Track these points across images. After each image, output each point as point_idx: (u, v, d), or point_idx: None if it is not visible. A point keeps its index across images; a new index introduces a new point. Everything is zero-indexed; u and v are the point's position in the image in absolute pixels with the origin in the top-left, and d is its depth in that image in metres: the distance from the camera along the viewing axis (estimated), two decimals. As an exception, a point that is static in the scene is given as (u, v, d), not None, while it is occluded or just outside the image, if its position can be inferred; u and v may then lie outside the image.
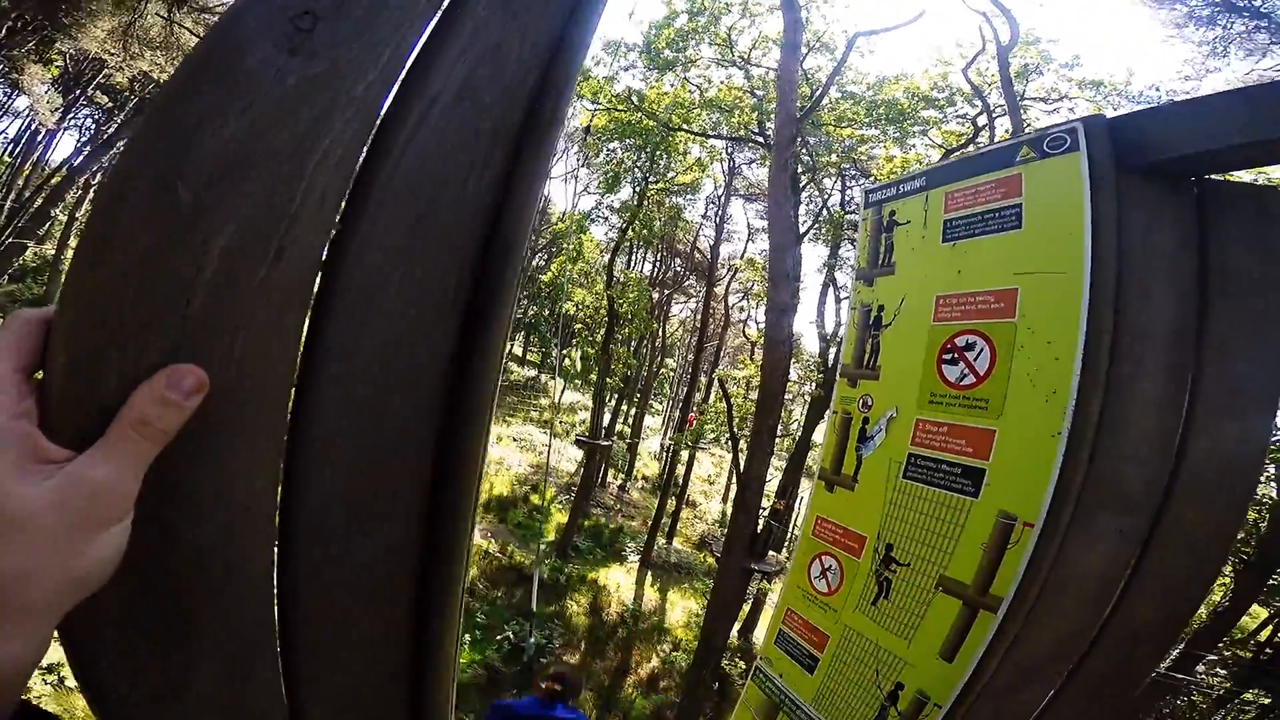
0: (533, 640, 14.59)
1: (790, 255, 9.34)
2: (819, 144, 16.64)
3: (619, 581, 20.86)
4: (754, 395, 17.76)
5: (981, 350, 1.40)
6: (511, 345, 40.22)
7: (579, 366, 37.50)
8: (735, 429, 15.90)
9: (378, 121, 0.79)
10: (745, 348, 31.08)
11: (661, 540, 24.85)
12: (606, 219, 25.66)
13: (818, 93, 12.94)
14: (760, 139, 16.19)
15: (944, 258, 1.54)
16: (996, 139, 13.86)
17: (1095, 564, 1.32)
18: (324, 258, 0.78)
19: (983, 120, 14.55)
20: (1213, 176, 1.24)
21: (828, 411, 1.83)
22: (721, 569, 11.47)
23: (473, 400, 0.83)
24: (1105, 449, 1.20)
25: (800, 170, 15.18)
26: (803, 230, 14.45)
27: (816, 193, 18.26)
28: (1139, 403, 1.21)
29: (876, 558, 1.63)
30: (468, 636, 15.43)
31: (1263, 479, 14.34)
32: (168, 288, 0.56)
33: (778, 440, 12.50)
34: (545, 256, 33.35)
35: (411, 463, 0.83)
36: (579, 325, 28.93)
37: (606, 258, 23.45)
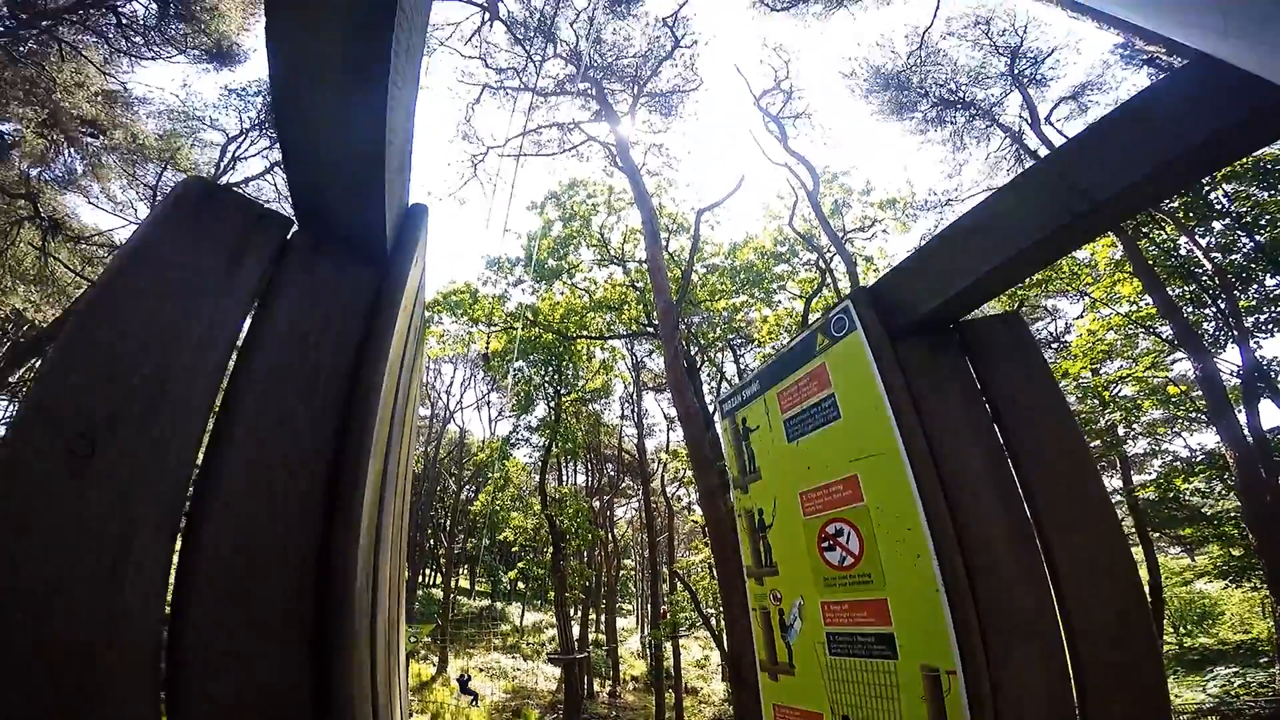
0: None
1: (705, 439, 9.56)
2: (702, 322, 17.59)
3: None
4: (720, 573, 17.11)
5: (849, 534, 1.50)
6: (457, 579, 37.82)
7: (529, 588, 35.30)
8: (707, 610, 15.08)
9: (183, 521, 0.85)
10: (696, 531, 30.57)
11: None
12: (528, 440, 25.61)
13: (685, 272, 14.03)
14: (651, 329, 16.69)
15: (793, 457, 1.68)
16: (838, 279, 15.40)
17: (1036, 686, 1.34)
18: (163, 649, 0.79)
19: (823, 264, 16.14)
20: (965, 318, 1.46)
21: (749, 608, 1.84)
22: None
23: None
24: (984, 587, 1.28)
25: (694, 352, 15.97)
26: (711, 409, 14.92)
27: (713, 368, 18.99)
28: (992, 537, 1.31)
29: None
30: None
31: (1225, 495, 14.78)
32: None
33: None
34: (473, 489, 32.59)
35: None
36: (516, 549, 27.68)
37: (536, 478, 23.03)
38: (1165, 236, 14.75)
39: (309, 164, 1.12)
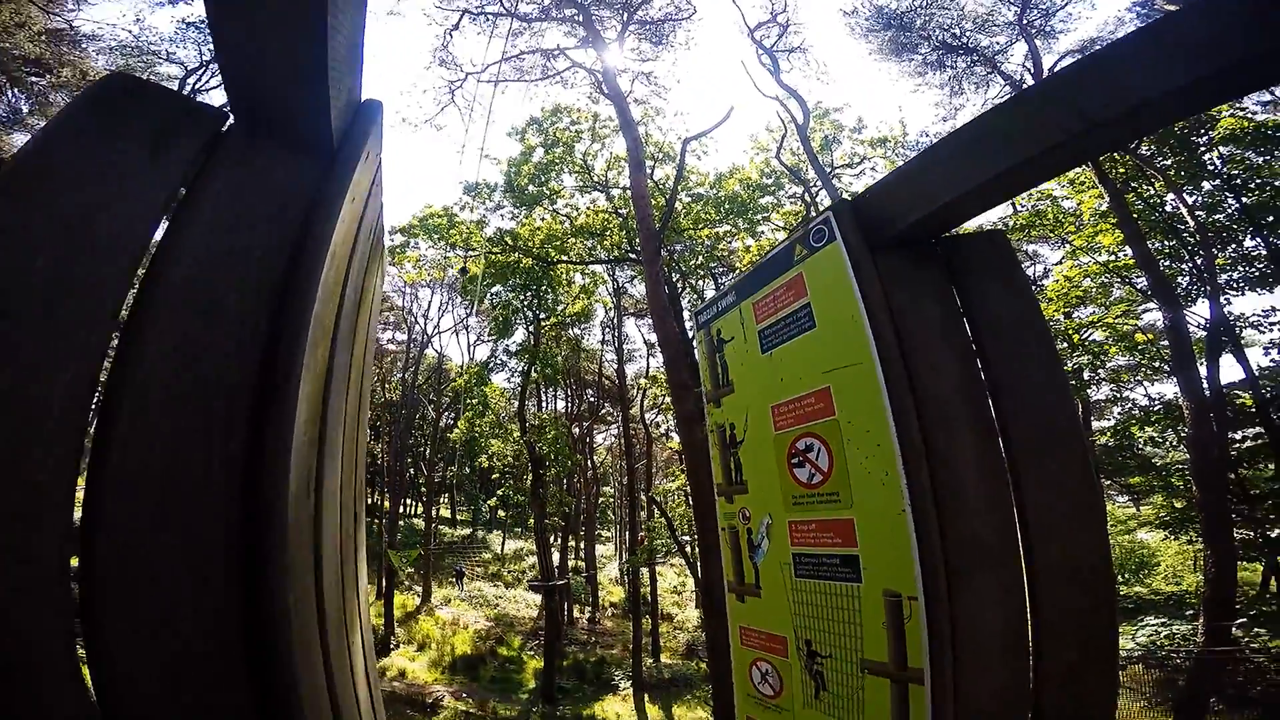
0: None
1: (684, 364, 9.62)
2: (684, 250, 17.52)
3: (617, 711, 19.74)
4: (696, 502, 17.62)
5: (819, 450, 1.47)
6: (438, 508, 38.58)
7: (509, 516, 36.24)
8: (682, 537, 15.59)
9: (92, 419, 0.78)
10: (673, 459, 31.13)
11: (648, 660, 23.74)
12: (505, 364, 25.50)
13: (669, 200, 13.80)
14: (634, 256, 16.42)
15: (766, 368, 1.64)
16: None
17: (994, 618, 1.34)
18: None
19: (808, 198, 15.99)
20: (949, 234, 1.40)
21: (719, 528, 1.84)
22: (714, 673, 11.00)
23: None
24: (950, 513, 1.26)
25: (676, 279, 15.88)
26: (691, 335, 14.80)
27: (695, 295, 19.01)
28: (962, 463, 1.28)
29: (802, 655, 1.63)
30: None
31: (1177, 446, 15.37)
32: None
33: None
34: (452, 415, 32.68)
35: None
36: (497, 475, 28.01)
37: (515, 404, 23.16)
38: (1153, 192, 14.78)
39: (242, 50, 1.01)
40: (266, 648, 0.81)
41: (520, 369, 23.43)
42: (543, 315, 20.65)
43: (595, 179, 17.22)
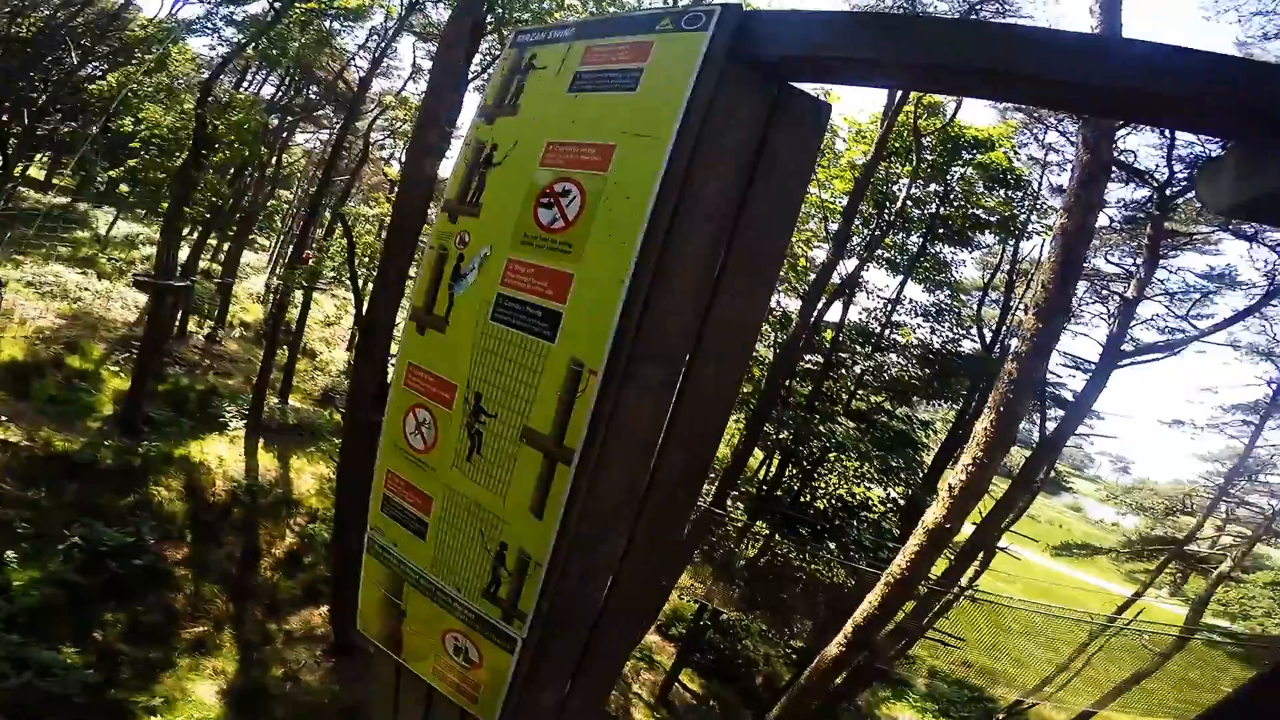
0: None
1: (449, 98, 8.71)
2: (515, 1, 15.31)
3: (221, 455, 16.80)
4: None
5: (574, 197, 1.43)
6: (26, 167, 28.64)
7: (135, 195, 29.02)
8: (359, 269, 14.53)
9: None
10: (384, 186, 28.35)
11: (274, 399, 20.87)
12: (219, 31, 19.52)
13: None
14: None
15: (565, 106, 1.51)
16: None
17: (644, 413, 1.44)
18: None
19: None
20: (793, 83, 1.42)
21: (424, 246, 1.71)
22: (348, 426, 10.63)
23: None
24: (658, 297, 1.35)
25: (489, 21, 13.82)
26: (472, 76, 13.28)
27: (498, 47, 16.79)
28: (687, 260, 1.37)
29: (467, 409, 1.55)
30: (11, 552, 11.38)
31: (764, 342, 19.37)
32: None
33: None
34: (104, 67, 23.70)
35: None
36: (137, 144, 21.49)
37: (206, 74, 17.91)
38: (899, 172, 17.39)
39: None
40: None
41: (237, 41, 18.04)
42: (299, -2, 16.08)
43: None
